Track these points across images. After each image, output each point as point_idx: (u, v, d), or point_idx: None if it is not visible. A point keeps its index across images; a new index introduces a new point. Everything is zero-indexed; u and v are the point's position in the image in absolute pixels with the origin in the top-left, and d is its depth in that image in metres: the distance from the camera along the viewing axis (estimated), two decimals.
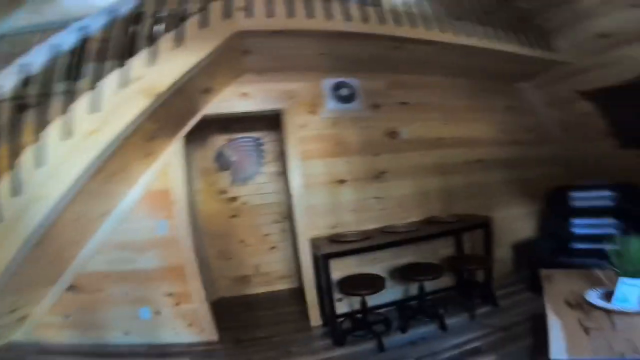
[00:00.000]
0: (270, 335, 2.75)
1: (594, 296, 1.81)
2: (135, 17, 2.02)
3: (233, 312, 3.35)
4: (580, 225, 3.11)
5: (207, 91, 2.56)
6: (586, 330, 1.51)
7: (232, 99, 2.77)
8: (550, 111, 3.76)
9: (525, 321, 2.49)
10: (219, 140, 3.86)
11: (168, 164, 2.59)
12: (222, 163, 3.85)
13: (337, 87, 3.01)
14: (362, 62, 2.90)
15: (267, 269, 3.95)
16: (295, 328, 2.85)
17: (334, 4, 2.34)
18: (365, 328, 2.59)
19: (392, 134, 3.19)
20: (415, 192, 3.22)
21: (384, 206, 3.09)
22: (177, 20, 1.99)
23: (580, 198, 3.20)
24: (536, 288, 2.22)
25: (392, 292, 3.04)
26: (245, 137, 3.90)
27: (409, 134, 3.24)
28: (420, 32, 2.54)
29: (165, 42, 1.93)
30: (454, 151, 3.42)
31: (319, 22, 2.28)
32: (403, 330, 2.61)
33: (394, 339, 2.52)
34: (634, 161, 3.15)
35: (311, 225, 2.86)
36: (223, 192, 3.87)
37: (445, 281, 3.22)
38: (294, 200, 2.86)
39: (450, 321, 2.66)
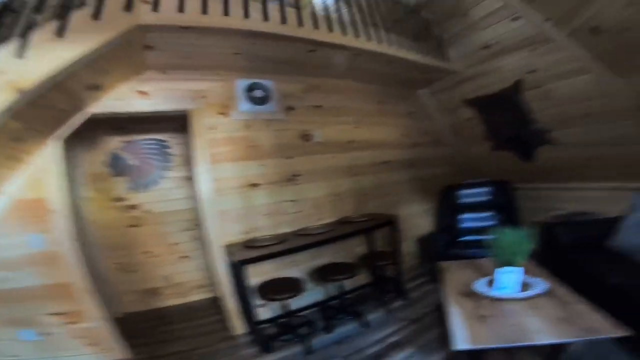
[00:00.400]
0: (192, 348, 2.57)
1: (481, 285, 2.01)
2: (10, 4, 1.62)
3: (145, 327, 3.04)
4: (467, 220, 3.57)
5: (96, 88, 2.20)
6: (481, 318, 1.67)
7: (128, 97, 2.44)
8: (442, 116, 4.24)
9: (433, 311, 2.72)
10: (114, 143, 3.38)
11: (43, 169, 2.15)
12: (118, 168, 3.38)
13: (251, 88, 2.90)
14: (278, 64, 2.84)
15: (180, 279, 3.65)
16: (218, 338, 2.70)
17: (252, 3, 2.22)
18: (291, 332, 2.56)
19: (306, 137, 3.21)
20: (328, 193, 3.30)
21: (298, 209, 3.09)
22: (62, 10, 1.63)
23: (466, 195, 3.67)
24: (437, 279, 2.43)
25: (313, 294, 3.06)
26: (147, 140, 3.50)
27: (322, 137, 3.30)
28: (336, 37, 2.58)
29: (42, 33, 1.60)
30: (363, 153, 3.60)
31: (235, 21, 2.14)
32: (328, 330, 2.64)
33: (320, 340, 2.54)
34: (503, 161, 3.77)
35: (224, 232, 2.71)
36: (119, 199, 3.42)
37: (361, 279, 3.38)
38: (204, 206, 2.67)
39: (370, 317, 2.78)
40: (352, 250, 3.33)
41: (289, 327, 2.61)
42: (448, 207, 3.75)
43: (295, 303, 2.90)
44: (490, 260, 2.06)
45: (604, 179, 2.95)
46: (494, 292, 1.88)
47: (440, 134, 4.39)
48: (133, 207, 3.46)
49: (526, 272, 2.09)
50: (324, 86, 3.35)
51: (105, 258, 3.28)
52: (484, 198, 3.58)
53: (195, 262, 3.70)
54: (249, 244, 2.59)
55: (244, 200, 2.84)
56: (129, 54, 2.13)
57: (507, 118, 3.39)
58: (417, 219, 4.04)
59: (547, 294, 1.80)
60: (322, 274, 2.77)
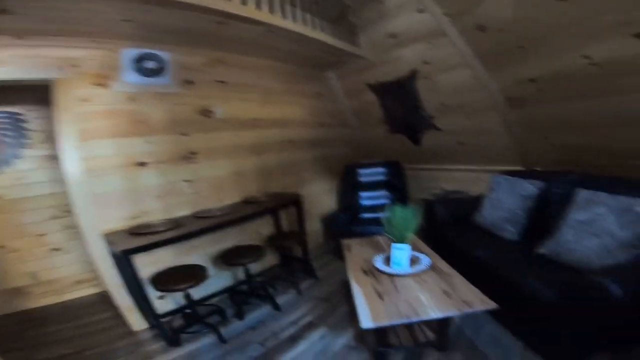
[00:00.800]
0: (80, 350, 2.24)
1: (379, 262, 2.14)
2: None
3: (13, 331, 2.54)
4: (366, 198, 3.88)
5: None
6: (380, 296, 1.77)
7: None
8: (347, 99, 4.41)
9: (340, 289, 2.87)
10: None
11: None
12: None
13: (141, 58, 2.50)
14: (179, 35, 2.51)
15: (52, 275, 3.10)
16: (113, 336, 2.40)
17: None
18: (199, 322, 2.43)
19: (206, 113, 2.96)
20: (230, 172, 3.15)
21: (196, 189, 2.88)
22: None
23: (364, 174, 3.95)
24: (342, 256, 2.54)
25: (221, 279, 2.96)
26: None
27: (224, 114, 3.09)
28: (249, 11, 2.36)
29: None
30: (268, 132, 3.53)
31: None
32: (240, 317, 2.58)
33: (233, 327, 2.47)
34: (398, 144, 4.15)
35: (103, 218, 2.37)
36: None
37: (270, 260, 3.40)
38: (72, 189, 2.26)
39: (282, 300, 2.80)
40: (258, 231, 3.30)
41: (197, 318, 2.47)
42: (349, 186, 3.99)
43: (201, 291, 2.78)
44: (385, 237, 2.18)
45: (472, 162, 3.51)
46: (390, 269, 2.03)
47: (345, 116, 4.57)
48: None
49: (414, 247, 2.37)
50: (229, 61, 3.11)
51: None
52: (379, 177, 3.91)
53: (71, 255, 3.18)
54: (136, 231, 2.31)
55: (129, 182, 2.50)
56: None
57: (401, 104, 3.69)
58: (321, 198, 4.21)
59: (431, 268, 2.03)
60: (227, 258, 2.66)
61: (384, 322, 1.62)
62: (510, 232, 2.42)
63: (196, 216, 2.67)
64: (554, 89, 2.38)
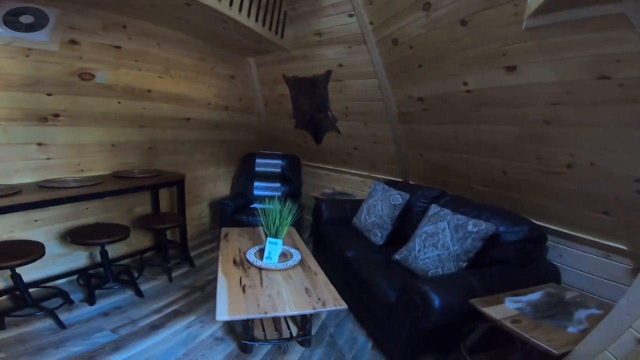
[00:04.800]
0: None
1: (251, 254, 2.14)
2: None
3: None
4: (259, 187, 3.84)
5: None
6: (243, 289, 1.76)
7: None
8: (261, 87, 4.28)
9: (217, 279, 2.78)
10: None
11: None
12: None
13: (18, 12, 2.13)
14: None
15: None
16: None
17: None
18: (31, 305, 2.08)
19: (85, 76, 2.57)
20: (101, 142, 2.78)
21: (50, 155, 2.46)
22: None
23: (262, 164, 3.89)
24: None
25: (73, 260, 2.60)
26: None
27: (108, 79, 2.72)
28: None
29: None
30: (162, 105, 3.22)
31: None
32: (90, 301, 2.30)
33: (79, 312, 2.21)
34: (301, 139, 4.21)
35: None
36: None
37: (142, 242, 3.11)
38: None
39: (147, 286, 2.61)
40: (130, 210, 2.98)
41: (29, 301, 2.10)
42: (245, 174, 3.90)
43: (44, 271, 2.38)
44: (262, 230, 2.19)
45: (362, 168, 3.76)
46: (260, 262, 2.05)
47: (254, 103, 4.42)
48: None
49: (290, 242, 2.44)
50: (133, 27, 2.79)
51: None
52: (276, 169, 3.90)
53: None
54: None
55: None
56: None
57: (311, 101, 3.74)
58: (215, 182, 4.02)
59: (300, 264, 2.11)
60: (78, 236, 2.32)
61: (241, 316, 1.62)
62: (378, 236, 2.66)
63: (42, 185, 2.25)
64: (435, 110, 2.62)
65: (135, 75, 2.93)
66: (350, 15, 2.79)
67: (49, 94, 2.39)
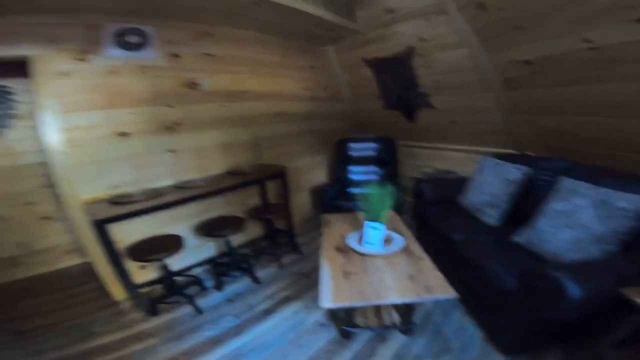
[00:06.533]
0: (62, 320, 2.31)
1: (352, 239, 2.10)
2: None
3: (2, 303, 2.60)
4: (356, 172, 3.82)
5: None
6: (346, 275, 1.75)
7: None
8: (343, 73, 4.23)
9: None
10: None
11: None
12: None
13: (123, 33, 2.44)
14: (162, 8, 2.43)
15: (44, 244, 3.15)
16: (95, 307, 2.46)
17: None
18: (178, 293, 2.48)
19: (192, 85, 2.89)
20: (216, 144, 3.11)
21: (179, 160, 2.86)
22: None
23: (355, 149, 3.87)
24: None
25: (204, 250, 3.02)
26: None
27: (210, 86, 3.01)
28: None
29: None
30: (258, 104, 3.43)
31: None
32: (219, 288, 2.63)
33: (211, 298, 2.53)
34: (392, 120, 4.03)
35: (85, 187, 2.38)
36: None
37: (254, 233, 3.42)
38: (52, 159, 2.28)
39: (262, 273, 2.85)
40: (244, 203, 3.31)
41: (175, 288, 2.52)
42: (340, 160, 3.94)
43: (184, 261, 2.83)
44: (362, 215, 2.14)
45: (464, 142, 3.40)
46: (362, 247, 2.01)
47: (339, 90, 4.41)
48: None
49: (392, 227, 2.34)
50: (218, 34, 3.01)
51: None
52: (371, 153, 3.83)
53: (61, 224, 3.21)
54: (116, 200, 2.33)
55: (111, 152, 2.48)
56: None
57: (397, 80, 3.54)
58: (313, 171, 4.17)
59: (404, 250, 2.01)
60: (207, 229, 2.67)
61: (344, 304, 1.61)
62: (491, 216, 2.37)
63: (178, 186, 2.67)
64: (550, 72, 2.23)
65: (230, 79, 3.17)
66: None
67: (169, 106, 2.76)
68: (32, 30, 2.10)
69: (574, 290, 1.28)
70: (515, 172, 2.33)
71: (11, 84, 2.87)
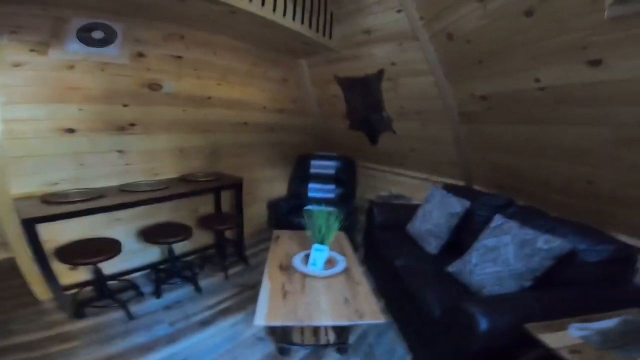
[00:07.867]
0: None
1: (297, 259, 2.12)
2: None
3: None
4: (314, 189, 3.86)
5: None
6: (284, 295, 1.76)
7: None
8: (313, 88, 4.31)
9: None
10: None
11: None
12: None
13: (90, 28, 2.38)
14: (138, 7, 2.40)
15: None
16: (15, 304, 2.30)
17: None
18: (109, 297, 2.37)
19: (154, 86, 2.83)
20: (170, 148, 3.04)
21: (128, 161, 2.77)
22: None
23: (317, 166, 3.92)
24: None
25: (147, 255, 2.91)
26: None
27: (174, 89, 2.96)
28: None
29: None
30: (221, 111, 3.41)
31: None
32: (157, 295, 2.55)
33: (147, 305, 2.44)
34: (355, 140, 4.14)
35: (19, 182, 2.24)
36: None
37: (201, 241, 3.34)
38: None
39: (206, 282, 2.79)
40: (195, 210, 3.23)
41: (107, 292, 2.40)
42: (300, 175, 3.96)
43: (122, 265, 2.70)
44: (309, 235, 2.15)
45: (420, 170, 3.55)
46: (304, 268, 2.03)
47: (307, 105, 4.48)
48: None
49: (338, 248, 2.37)
50: (190, 37, 2.98)
51: None
52: (330, 171, 3.89)
53: None
54: (50, 199, 2.19)
55: (54, 147, 2.36)
56: None
57: (365, 101, 3.65)
58: (273, 184, 4.16)
59: (345, 272, 2.04)
60: (152, 235, 2.57)
61: (277, 323, 1.64)
62: (432, 245, 2.48)
63: (122, 189, 2.56)
64: (502, 109, 2.36)
65: (196, 84, 3.14)
66: (398, 11, 2.65)
67: (124, 105, 2.68)
68: None
69: (480, 322, 1.36)
70: (457, 206, 2.46)
71: None
